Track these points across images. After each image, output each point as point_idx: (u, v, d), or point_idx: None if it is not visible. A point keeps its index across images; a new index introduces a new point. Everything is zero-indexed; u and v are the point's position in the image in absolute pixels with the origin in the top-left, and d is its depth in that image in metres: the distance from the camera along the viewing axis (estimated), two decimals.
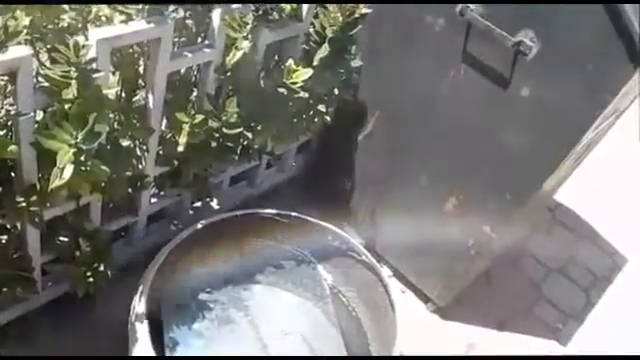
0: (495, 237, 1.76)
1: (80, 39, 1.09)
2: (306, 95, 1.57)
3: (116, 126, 1.35)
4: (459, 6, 1.52)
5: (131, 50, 1.40)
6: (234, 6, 1.39)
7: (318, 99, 1.70)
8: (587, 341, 2.18)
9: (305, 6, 1.59)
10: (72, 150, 1.10)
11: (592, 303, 2.33)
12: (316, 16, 1.60)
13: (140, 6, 1.23)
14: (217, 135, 1.51)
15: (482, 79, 1.58)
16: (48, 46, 1.23)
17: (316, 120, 1.75)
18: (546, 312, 2.24)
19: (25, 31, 1.10)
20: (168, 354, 1.53)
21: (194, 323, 1.65)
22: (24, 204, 1.24)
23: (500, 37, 1.47)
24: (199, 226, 1.65)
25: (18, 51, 1.07)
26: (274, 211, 1.77)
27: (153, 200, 1.73)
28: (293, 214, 1.77)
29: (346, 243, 1.78)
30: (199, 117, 1.43)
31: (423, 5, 1.64)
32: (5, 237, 1.38)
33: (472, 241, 1.81)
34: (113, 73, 1.31)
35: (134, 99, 1.46)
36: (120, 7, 1.22)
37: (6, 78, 1.20)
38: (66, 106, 1.13)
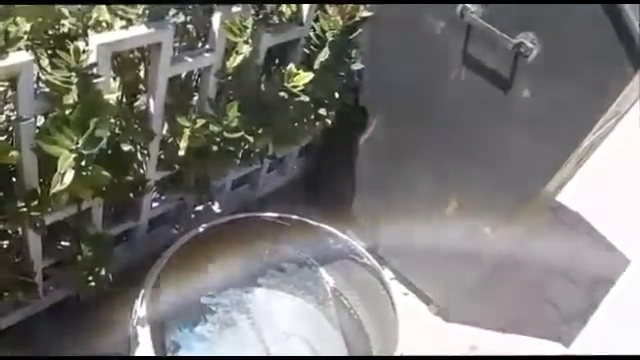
0: (497, 239, 1.76)
1: (80, 44, 1.10)
2: (307, 99, 1.57)
3: (117, 131, 1.35)
4: (459, 8, 1.52)
5: (132, 55, 1.40)
6: (234, 10, 1.39)
7: (319, 103, 1.71)
8: (590, 343, 2.17)
9: (305, 10, 1.59)
10: (73, 155, 1.10)
11: (595, 304, 2.32)
12: (316, 20, 1.60)
13: (140, 11, 1.23)
14: (218, 139, 1.51)
15: (483, 81, 1.58)
16: (49, 51, 1.24)
17: (317, 124, 1.76)
18: (549, 313, 2.24)
19: (26, 37, 1.10)
20: None
21: (196, 326, 1.66)
22: (25, 209, 1.24)
23: (500, 39, 1.46)
24: (201, 230, 1.65)
25: (19, 57, 1.07)
26: (276, 214, 1.77)
27: (154, 204, 1.73)
28: (294, 217, 1.77)
29: (348, 246, 1.78)
30: (200, 121, 1.43)
31: (423, 7, 1.63)
32: (6, 242, 1.38)
33: (474, 243, 1.80)
34: (114, 78, 1.31)
35: (135, 104, 1.46)
36: (120, 12, 1.23)
37: (7, 84, 1.20)
38: (67, 111, 1.13)
